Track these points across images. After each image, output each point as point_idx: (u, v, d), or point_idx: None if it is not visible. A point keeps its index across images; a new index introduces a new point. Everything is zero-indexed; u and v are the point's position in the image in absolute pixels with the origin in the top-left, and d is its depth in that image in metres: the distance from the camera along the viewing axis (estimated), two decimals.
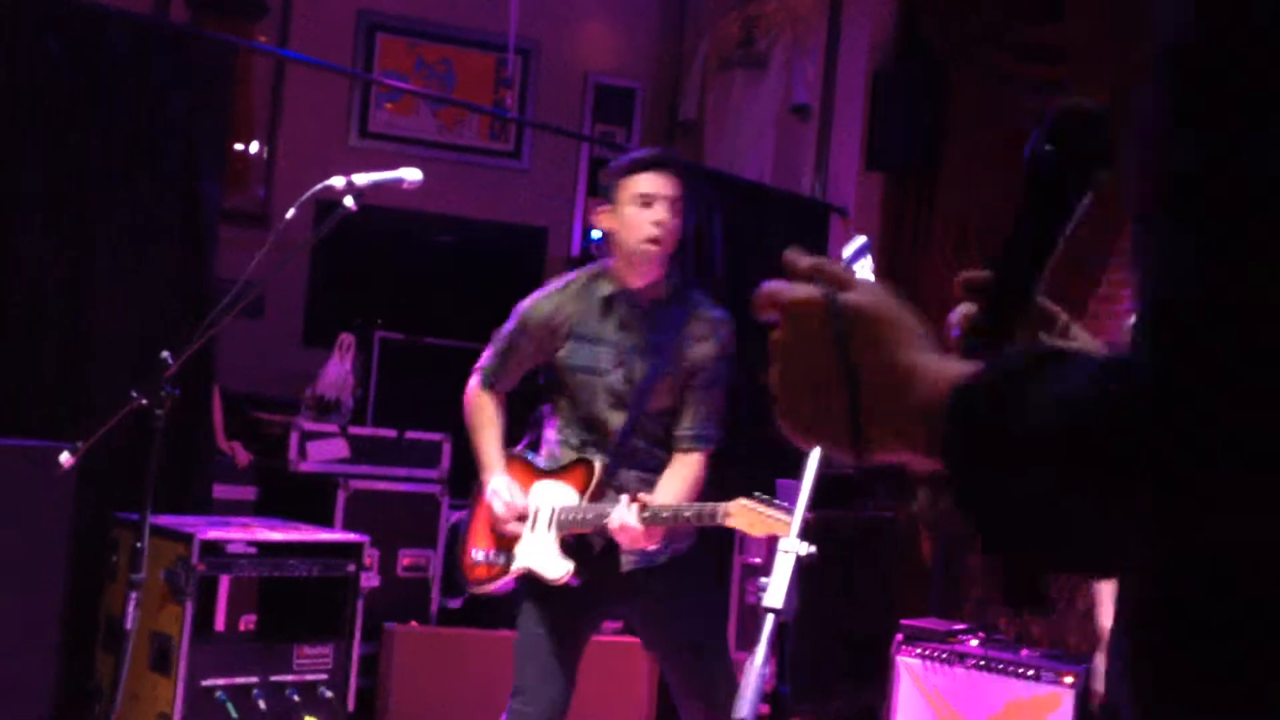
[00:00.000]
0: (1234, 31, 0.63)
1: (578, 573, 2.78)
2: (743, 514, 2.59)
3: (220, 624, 3.68)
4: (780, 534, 2.57)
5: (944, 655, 4.09)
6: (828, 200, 5.51)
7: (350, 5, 5.81)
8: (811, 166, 5.61)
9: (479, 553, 2.92)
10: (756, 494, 2.62)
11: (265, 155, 5.64)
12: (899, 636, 4.22)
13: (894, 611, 4.71)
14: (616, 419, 2.82)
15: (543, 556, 2.82)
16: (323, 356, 4.82)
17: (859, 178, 5.52)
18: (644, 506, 2.67)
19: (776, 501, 2.59)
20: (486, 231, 5.66)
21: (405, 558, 4.48)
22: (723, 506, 2.61)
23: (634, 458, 2.84)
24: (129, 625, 2.56)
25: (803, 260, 0.83)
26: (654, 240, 2.78)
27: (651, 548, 2.75)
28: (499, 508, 2.85)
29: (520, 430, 3.09)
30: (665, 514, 2.66)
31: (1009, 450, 0.67)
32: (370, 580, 3.73)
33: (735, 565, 4.54)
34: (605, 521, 2.70)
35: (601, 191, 2.89)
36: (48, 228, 3.52)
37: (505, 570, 2.87)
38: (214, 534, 3.48)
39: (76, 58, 3.55)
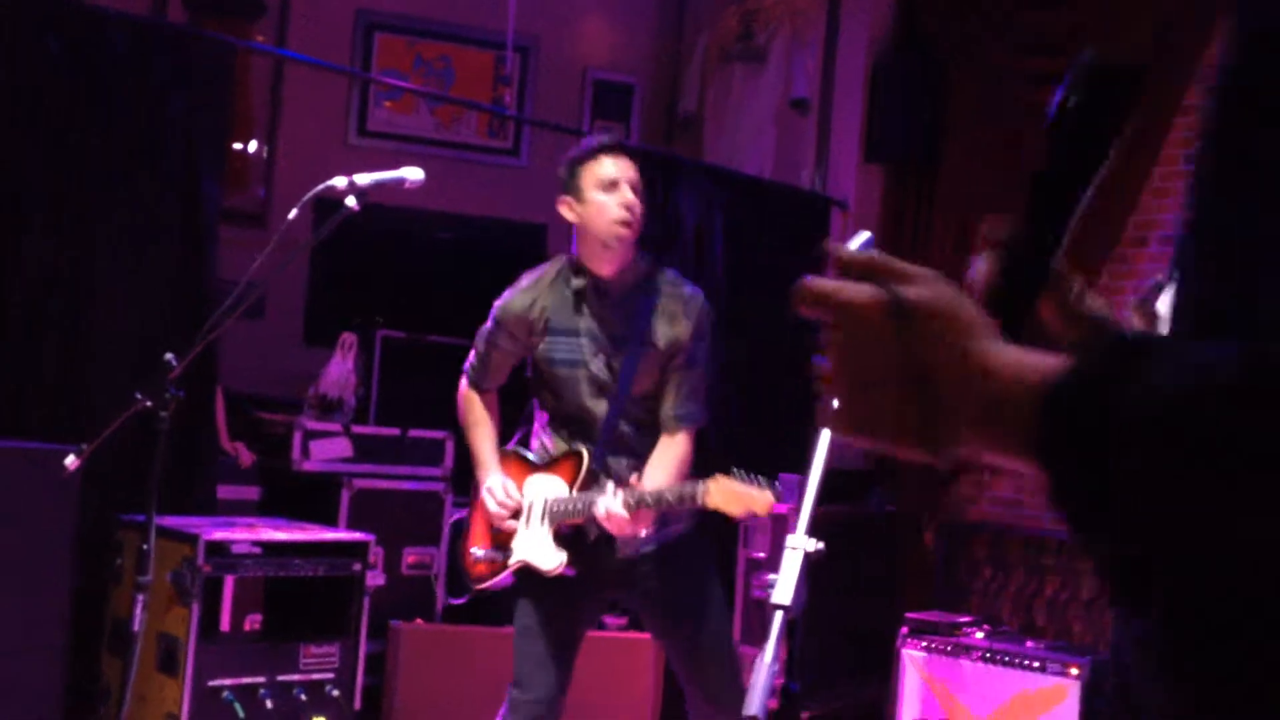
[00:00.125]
0: None
1: (572, 563, 2.81)
2: (720, 492, 2.60)
3: (226, 624, 3.68)
4: (756, 510, 2.58)
5: (949, 648, 4.10)
6: (828, 194, 5.51)
7: (348, 4, 5.80)
8: (811, 160, 5.60)
9: (478, 550, 2.95)
10: (735, 470, 2.64)
11: (265, 155, 5.63)
12: (904, 629, 4.22)
13: (899, 605, 4.71)
14: (601, 407, 2.85)
15: (537, 549, 2.85)
16: (324, 356, 4.81)
17: (859, 171, 5.52)
18: (629, 492, 2.69)
19: (753, 477, 2.61)
20: (486, 229, 5.65)
21: (410, 556, 4.48)
22: (702, 486, 2.63)
23: (622, 444, 2.86)
24: (136, 627, 2.56)
25: (851, 254, 0.80)
26: (624, 223, 2.80)
27: (643, 533, 2.76)
28: (492, 506, 2.89)
29: (515, 428, 3.12)
30: (649, 498, 2.68)
31: (1117, 444, 0.64)
32: (375, 579, 3.73)
33: (739, 560, 4.55)
34: (593, 510, 2.72)
35: (561, 184, 2.89)
36: (48, 228, 3.52)
37: (504, 565, 2.89)
38: (219, 535, 3.48)
39: (76, 58, 3.55)
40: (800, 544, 1.95)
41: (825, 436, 2.08)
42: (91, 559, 3.44)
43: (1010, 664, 3.96)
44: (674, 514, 2.86)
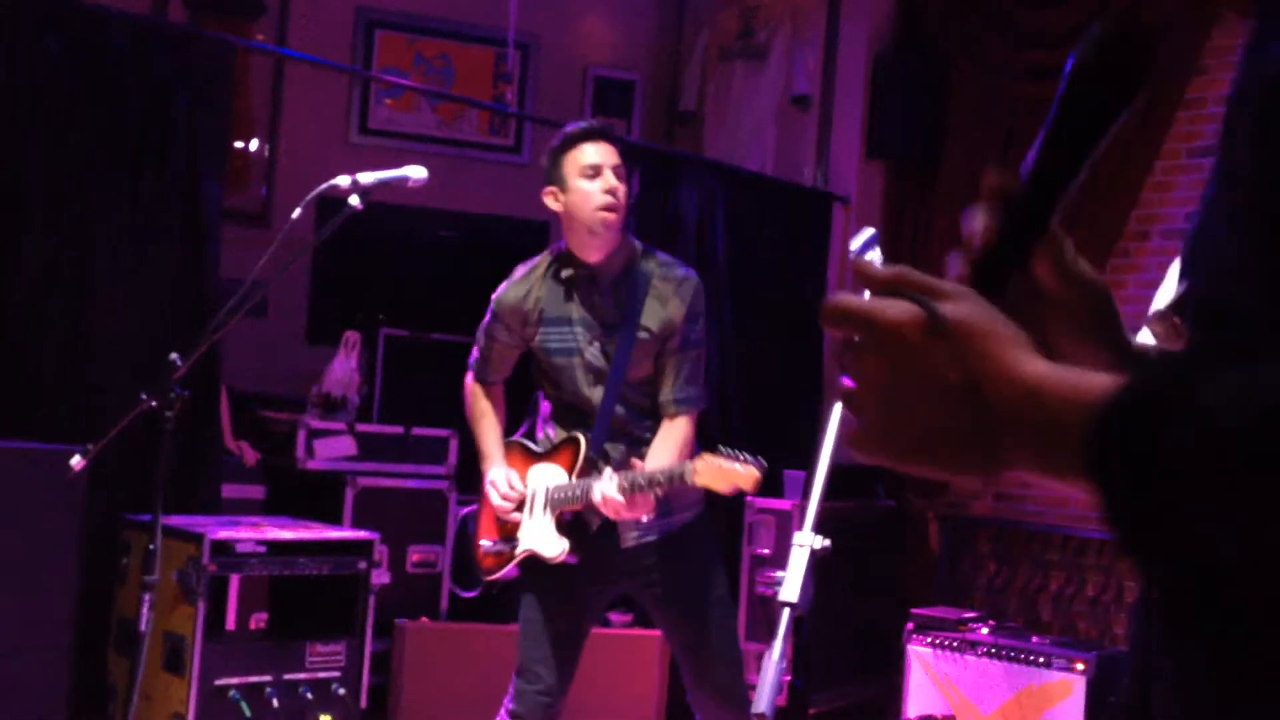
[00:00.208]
0: None
1: (574, 550, 2.81)
2: (708, 469, 2.60)
3: (231, 623, 3.68)
4: (743, 485, 2.58)
5: (955, 644, 4.10)
6: (829, 189, 5.51)
7: (349, 2, 5.80)
8: (812, 157, 5.60)
9: (486, 542, 2.97)
10: (721, 448, 2.64)
11: (266, 154, 5.63)
12: (909, 625, 4.22)
13: (904, 601, 4.71)
14: (598, 394, 2.85)
15: (541, 537, 2.86)
16: (327, 354, 4.82)
17: (860, 167, 5.52)
18: (624, 476, 2.69)
19: (738, 453, 2.60)
20: (488, 226, 5.65)
21: (414, 554, 4.48)
22: (689, 464, 2.63)
23: (622, 431, 2.86)
24: (144, 627, 2.57)
25: (878, 270, 0.76)
26: (609, 208, 2.80)
27: (645, 518, 2.76)
28: (495, 498, 2.91)
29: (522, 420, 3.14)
30: (642, 480, 2.68)
31: (1170, 465, 0.63)
32: (381, 577, 3.73)
33: (744, 556, 4.55)
34: (590, 496, 2.73)
35: (544, 174, 2.89)
36: (49, 228, 3.52)
37: (511, 556, 2.90)
38: (224, 534, 3.48)
39: (77, 58, 3.54)
40: (807, 541, 1.95)
41: (830, 433, 2.08)
42: (97, 559, 3.44)
43: (1016, 659, 3.96)
44: (677, 502, 2.87)
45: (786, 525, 4.44)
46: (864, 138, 5.50)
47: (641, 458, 2.82)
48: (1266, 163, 0.70)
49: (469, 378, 3.06)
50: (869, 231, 2.26)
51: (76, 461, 2.63)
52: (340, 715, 3.59)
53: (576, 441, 2.86)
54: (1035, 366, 0.71)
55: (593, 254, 2.85)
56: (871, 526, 4.89)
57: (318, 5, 5.70)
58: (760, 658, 4.59)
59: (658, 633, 3.93)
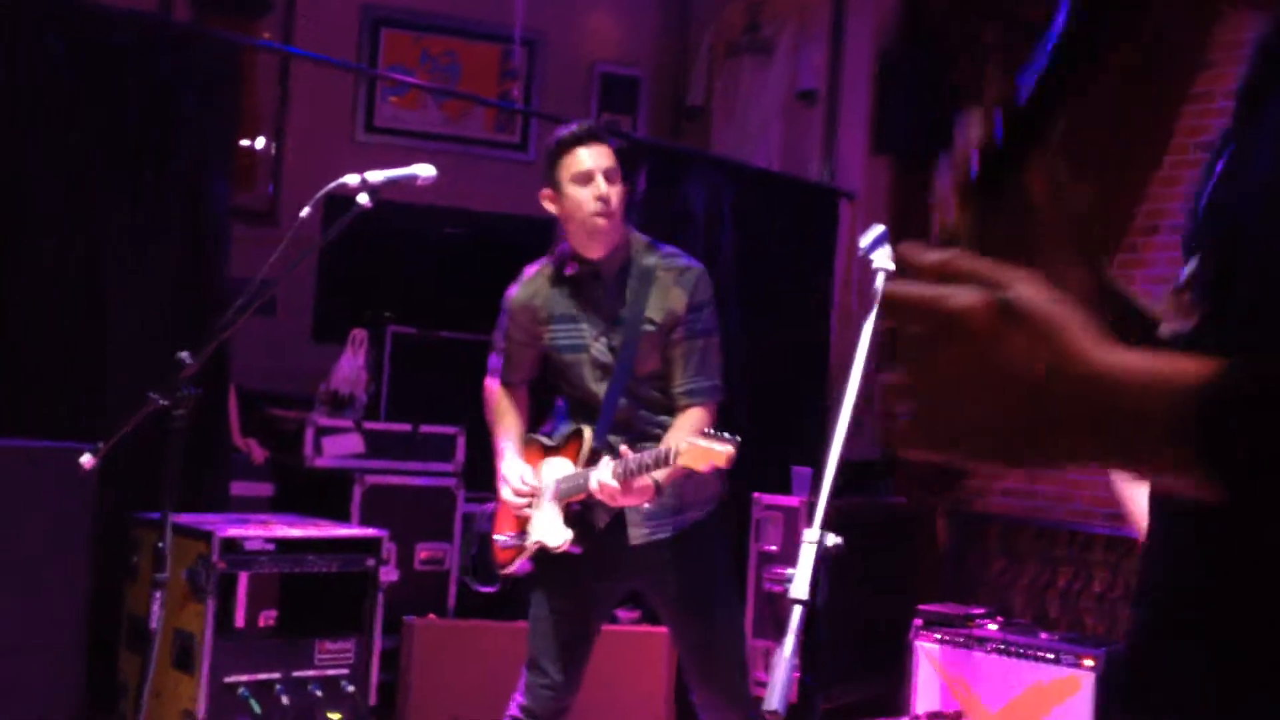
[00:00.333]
0: None
1: (577, 540, 2.82)
2: (690, 449, 2.60)
3: (241, 621, 3.69)
4: (718, 463, 2.59)
5: (963, 640, 4.10)
6: (836, 185, 5.50)
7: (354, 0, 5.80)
8: (819, 153, 5.59)
9: (501, 536, 2.98)
10: (708, 430, 2.65)
11: (272, 152, 5.64)
12: (917, 621, 4.22)
13: (911, 597, 4.71)
14: (604, 389, 2.87)
15: (546, 527, 2.88)
16: (334, 352, 4.82)
17: (866, 163, 5.51)
18: (619, 462, 2.69)
19: (716, 433, 2.61)
20: (494, 223, 5.65)
21: (422, 551, 4.49)
22: (673, 445, 2.63)
23: (631, 427, 2.86)
24: (154, 625, 2.57)
25: (929, 254, 0.73)
26: (601, 214, 2.82)
27: (645, 505, 2.76)
28: (505, 493, 2.94)
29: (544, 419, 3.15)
30: (633, 464, 2.67)
31: None
32: (389, 575, 3.74)
33: (751, 553, 4.55)
34: (588, 484, 2.74)
35: (542, 176, 2.91)
36: (55, 228, 3.52)
37: (523, 549, 2.91)
38: (233, 531, 3.49)
39: (81, 57, 3.55)
40: (816, 537, 1.95)
41: (840, 429, 2.08)
42: (107, 557, 3.45)
43: (1024, 656, 3.96)
44: (689, 500, 2.87)
45: (794, 521, 4.44)
46: (870, 133, 5.49)
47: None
48: None
49: (488, 381, 3.07)
50: (879, 228, 2.27)
51: (87, 460, 2.63)
52: (349, 712, 3.59)
53: (581, 433, 2.88)
54: (1114, 353, 0.69)
55: (594, 251, 2.88)
56: (879, 523, 4.89)
57: (323, 3, 5.70)
58: (768, 654, 4.59)
59: (665, 629, 3.93)
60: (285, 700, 3.49)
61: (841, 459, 2.01)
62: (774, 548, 4.49)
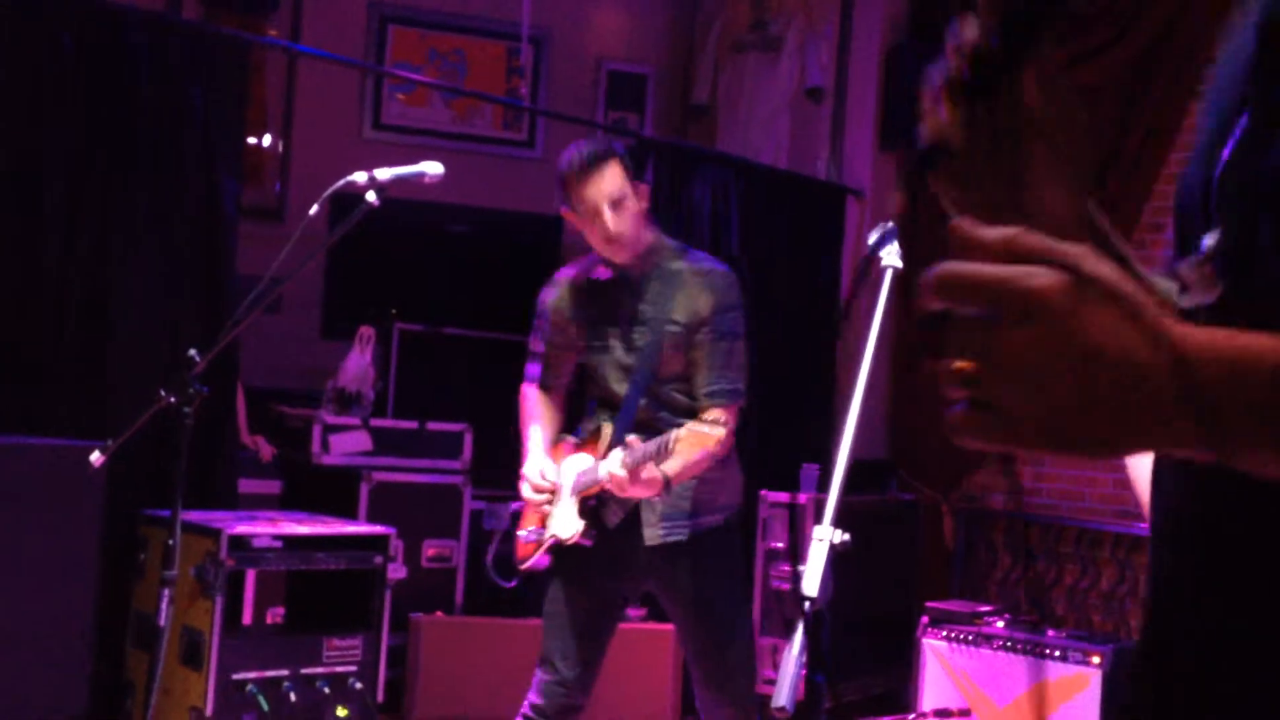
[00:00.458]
0: None
1: (588, 533, 2.83)
2: (688, 434, 2.61)
3: (248, 618, 3.70)
4: (708, 446, 2.61)
5: (970, 637, 4.10)
6: (843, 182, 5.50)
7: None
8: (826, 149, 5.59)
9: (523, 531, 3.00)
10: (703, 419, 2.67)
11: (280, 149, 5.64)
12: (924, 619, 4.22)
13: (918, 594, 4.71)
14: (625, 389, 2.89)
15: (561, 519, 2.89)
16: (341, 350, 4.83)
17: (874, 160, 5.50)
18: (628, 453, 2.70)
19: (708, 422, 2.62)
20: (501, 221, 5.66)
21: (429, 548, 4.50)
22: (674, 433, 2.64)
23: (652, 428, 2.85)
24: (163, 622, 2.58)
25: (988, 232, 0.68)
26: (611, 240, 2.84)
27: (654, 497, 2.77)
28: (525, 490, 2.95)
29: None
30: (638, 452, 2.68)
31: None
32: (397, 572, 3.75)
33: (758, 550, 4.55)
34: (598, 477, 2.77)
35: (560, 195, 2.94)
36: (65, 225, 3.53)
37: (541, 543, 2.93)
38: (241, 529, 3.49)
39: (91, 55, 3.55)
40: (826, 535, 1.95)
41: (849, 426, 2.08)
42: (115, 554, 3.46)
43: (1031, 653, 3.96)
44: (705, 505, 2.89)
45: (800, 519, 4.44)
46: (877, 130, 5.48)
47: None
48: None
49: (526, 387, 3.08)
50: (887, 224, 2.27)
51: (96, 457, 2.64)
52: (357, 709, 3.60)
53: (599, 429, 2.91)
54: (1184, 330, 0.66)
55: (618, 256, 2.90)
56: (886, 520, 4.88)
57: (331, 1, 5.70)
58: (774, 651, 4.58)
59: (672, 627, 3.94)
60: (293, 697, 3.49)
61: (851, 456, 2.02)
62: (780, 545, 4.50)
